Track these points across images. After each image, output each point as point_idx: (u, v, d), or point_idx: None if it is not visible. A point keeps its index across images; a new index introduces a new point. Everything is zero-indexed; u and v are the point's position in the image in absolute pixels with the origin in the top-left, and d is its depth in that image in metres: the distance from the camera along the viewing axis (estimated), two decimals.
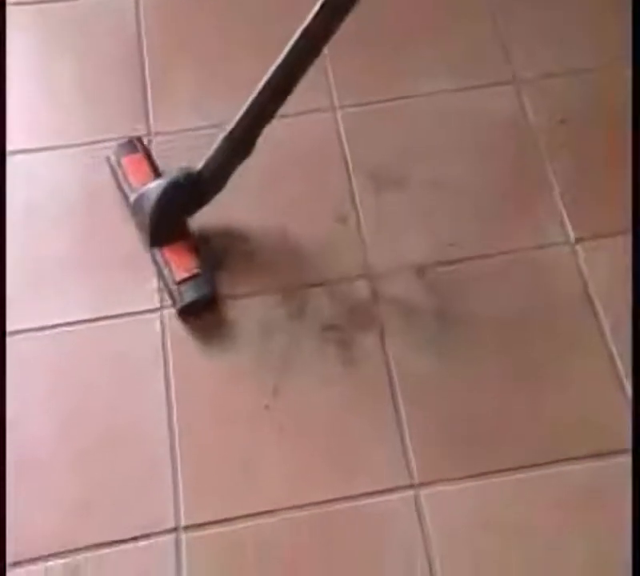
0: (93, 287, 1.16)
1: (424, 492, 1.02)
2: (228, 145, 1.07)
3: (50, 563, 0.99)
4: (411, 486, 1.03)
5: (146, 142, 1.25)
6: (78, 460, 1.05)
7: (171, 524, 1.01)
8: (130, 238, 1.19)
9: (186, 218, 1.16)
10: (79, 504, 1.02)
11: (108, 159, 1.23)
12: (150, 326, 1.13)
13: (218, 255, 1.17)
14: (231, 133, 1.06)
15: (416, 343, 1.12)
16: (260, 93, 1.02)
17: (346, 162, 1.24)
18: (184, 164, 1.15)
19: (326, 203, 1.22)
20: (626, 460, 1.02)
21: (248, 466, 1.04)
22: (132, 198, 1.17)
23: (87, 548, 1.00)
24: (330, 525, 1.01)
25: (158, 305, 1.14)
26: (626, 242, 1.16)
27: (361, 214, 1.21)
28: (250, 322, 1.13)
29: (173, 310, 1.13)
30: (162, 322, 1.13)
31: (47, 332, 1.13)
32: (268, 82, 1.01)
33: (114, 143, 1.25)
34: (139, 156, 1.21)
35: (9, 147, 1.25)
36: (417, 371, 1.10)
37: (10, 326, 1.11)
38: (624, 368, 1.09)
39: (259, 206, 1.21)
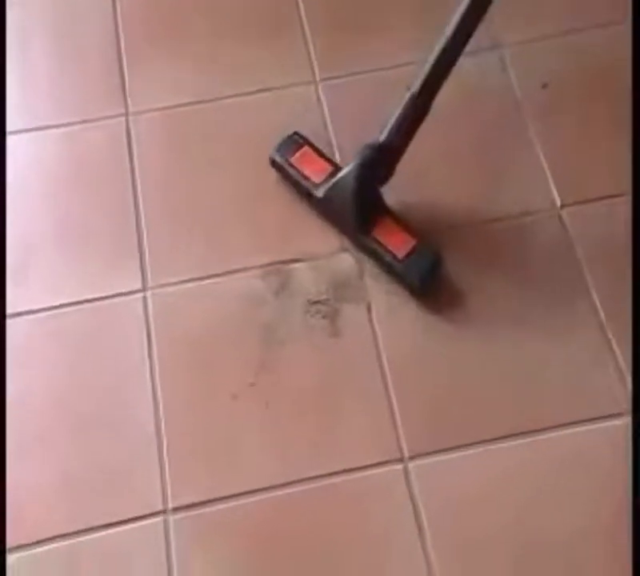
0: (79, 269, 1.15)
1: (413, 464, 1.01)
2: (411, 108, 1.05)
3: (47, 547, 0.99)
4: (401, 460, 1.01)
5: (123, 121, 1.24)
6: (69, 445, 1.05)
7: (159, 506, 1.01)
8: (113, 214, 1.18)
9: (380, 194, 1.11)
10: (72, 489, 1.03)
11: (273, 162, 1.15)
12: (134, 305, 1.11)
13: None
14: (415, 96, 1.05)
15: (402, 316, 1.10)
16: (438, 56, 1.03)
17: None
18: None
19: None
20: (618, 423, 1.03)
21: (234, 445, 1.03)
22: (321, 193, 1.11)
23: (81, 532, 1.00)
24: (319, 501, 1.00)
25: (140, 286, 1.12)
26: (612, 206, 1.15)
27: None
28: (235, 299, 1.12)
29: (155, 291, 1.12)
30: (144, 302, 1.12)
31: (39, 314, 1.12)
32: (444, 47, 1.03)
33: (94, 124, 1.24)
34: (306, 149, 1.14)
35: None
36: (403, 344, 1.08)
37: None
38: (614, 335, 1.08)
39: None
